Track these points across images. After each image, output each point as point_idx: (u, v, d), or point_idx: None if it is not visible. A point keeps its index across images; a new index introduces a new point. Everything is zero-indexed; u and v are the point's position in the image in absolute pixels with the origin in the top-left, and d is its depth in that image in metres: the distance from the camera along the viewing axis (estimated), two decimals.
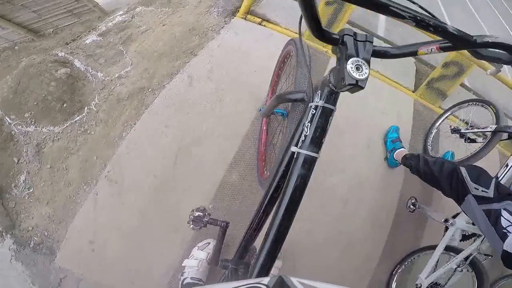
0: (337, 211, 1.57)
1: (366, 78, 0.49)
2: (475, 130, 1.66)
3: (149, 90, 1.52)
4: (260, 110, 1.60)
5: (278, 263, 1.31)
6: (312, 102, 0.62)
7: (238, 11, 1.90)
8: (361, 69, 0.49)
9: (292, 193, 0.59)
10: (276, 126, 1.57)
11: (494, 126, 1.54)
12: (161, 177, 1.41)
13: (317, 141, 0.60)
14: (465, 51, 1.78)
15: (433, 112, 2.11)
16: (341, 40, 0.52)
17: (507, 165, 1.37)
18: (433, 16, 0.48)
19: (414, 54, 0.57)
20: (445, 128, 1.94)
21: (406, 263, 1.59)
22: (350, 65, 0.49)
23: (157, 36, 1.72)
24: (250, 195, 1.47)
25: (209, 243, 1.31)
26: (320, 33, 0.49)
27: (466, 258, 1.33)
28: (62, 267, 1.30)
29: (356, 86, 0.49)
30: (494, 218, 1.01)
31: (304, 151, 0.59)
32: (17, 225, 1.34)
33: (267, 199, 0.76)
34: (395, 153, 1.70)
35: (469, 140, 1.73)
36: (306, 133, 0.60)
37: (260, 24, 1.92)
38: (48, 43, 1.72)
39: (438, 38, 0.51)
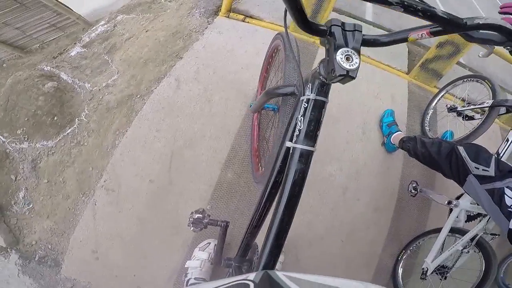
0: (336, 200, 1.57)
1: (357, 68, 0.47)
2: (472, 106, 1.62)
3: (138, 96, 1.51)
4: (250, 106, 1.58)
5: (280, 257, 1.31)
6: (303, 95, 0.61)
7: (220, 10, 1.87)
8: (351, 59, 0.48)
9: (291, 188, 0.58)
10: (268, 121, 1.55)
11: (490, 101, 1.50)
12: (157, 182, 1.41)
13: (311, 135, 0.59)
14: (456, 34, 1.77)
15: (428, 92, 2.08)
16: (329, 31, 0.50)
17: (507, 140, 1.33)
18: (422, 0, 0.47)
19: (404, 40, 0.55)
20: (442, 107, 1.91)
21: (412, 248, 1.57)
22: (339, 56, 0.47)
23: (141, 43, 1.70)
24: (248, 192, 1.47)
25: (209, 243, 1.32)
26: (306, 25, 0.48)
27: (472, 239, 1.30)
28: (68, 277, 1.31)
29: (347, 76, 0.47)
30: (497, 197, 0.98)
31: (299, 146, 0.58)
32: (21, 240, 1.35)
33: (265, 196, 0.75)
34: (392, 137, 1.66)
35: (467, 118, 1.69)
36: (300, 127, 0.59)
37: (243, 21, 1.89)
38: (36, 59, 1.71)
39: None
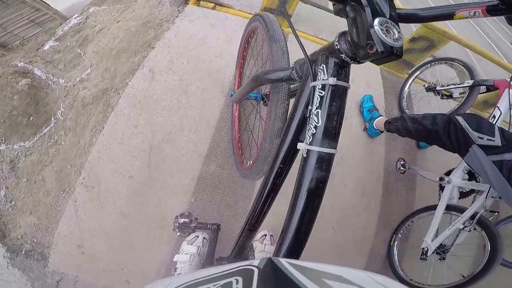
0: None
1: (402, 46, 0.35)
2: (452, 86, 1.55)
3: (113, 90, 1.38)
4: (231, 95, 1.42)
5: (270, 248, 1.20)
6: (316, 80, 0.45)
7: None
8: (391, 31, 0.35)
9: (307, 199, 0.44)
10: (249, 111, 1.40)
11: (471, 81, 1.45)
12: (137, 178, 1.31)
13: (334, 132, 0.44)
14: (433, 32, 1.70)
15: (401, 78, 2.01)
16: None
17: (494, 117, 1.28)
18: None
19: (450, 17, 0.42)
20: (416, 88, 1.84)
21: (405, 228, 1.47)
22: (378, 26, 0.34)
23: (113, 34, 1.54)
24: (232, 184, 1.38)
25: (197, 236, 1.23)
26: None
27: (472, 217, 1.18)
28: (56, 270, 1.26)
29: (392, 55, 0.34)
30: (506, 170, 0.88)
31: (316, 148, 0.43)
32: (7, 235, 1.29)
33: (262, 198, 0.62)
34: (374, 122, 1.54)
35: (445, 97, 1.65)
36: (317, 123, 0.44)
37: (213, 8, 1.74)
38: (17, 55, 1.58)
39: None
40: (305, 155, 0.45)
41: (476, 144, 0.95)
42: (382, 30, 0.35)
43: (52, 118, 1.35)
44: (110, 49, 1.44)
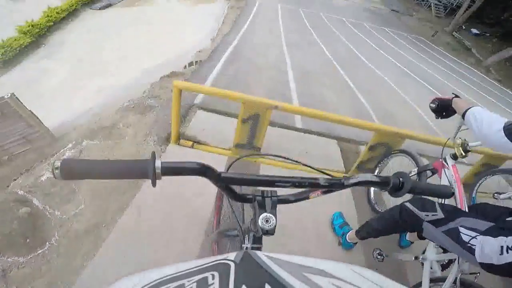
0: None
1: (274, 227, 0.55)
2: None
3: (103, 225, 1.71)
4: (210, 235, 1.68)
5: None
6: (244, 243, 0.67)
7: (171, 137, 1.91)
8: (270, 221, 0.55)
9: None
10: (223, 247, 1.60)
11: (416, 169, 1.62)
12: None
13: None
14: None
15: None
16: (254, 198, 0.59)
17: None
18: (305, 164, 0.62)
19: (306, 198, 0.63)
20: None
21: None
22: (260, 220, 0.55)
23: None
24: None
25: None
26: (238, 198, 0.59)
27: (454, 282, 1.26)
28: None
29: (268, 234, 0.55)
30: (455, 236, 1.03)
31: None
32: None
33: None
34: (347, 236, 1.72)
35: None
36: None
37: (192, 147, 1.97)
38: (4, 171, 1.73)
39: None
40: None
41: (426, 221, 1.12)
42: (262, 222, 0.54)
43: (47, 243, 1.66)
44: (102, 187, 1.79)
